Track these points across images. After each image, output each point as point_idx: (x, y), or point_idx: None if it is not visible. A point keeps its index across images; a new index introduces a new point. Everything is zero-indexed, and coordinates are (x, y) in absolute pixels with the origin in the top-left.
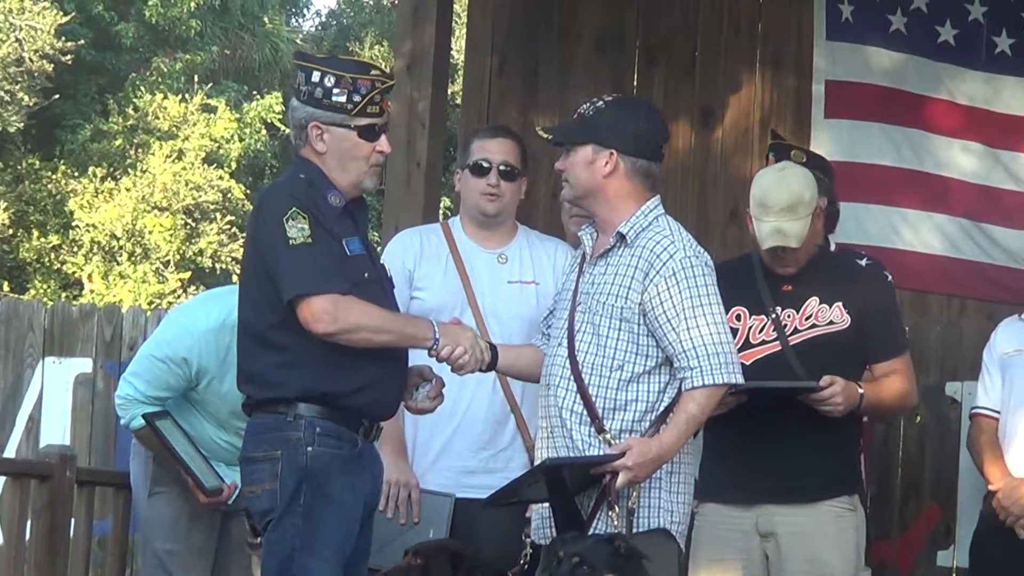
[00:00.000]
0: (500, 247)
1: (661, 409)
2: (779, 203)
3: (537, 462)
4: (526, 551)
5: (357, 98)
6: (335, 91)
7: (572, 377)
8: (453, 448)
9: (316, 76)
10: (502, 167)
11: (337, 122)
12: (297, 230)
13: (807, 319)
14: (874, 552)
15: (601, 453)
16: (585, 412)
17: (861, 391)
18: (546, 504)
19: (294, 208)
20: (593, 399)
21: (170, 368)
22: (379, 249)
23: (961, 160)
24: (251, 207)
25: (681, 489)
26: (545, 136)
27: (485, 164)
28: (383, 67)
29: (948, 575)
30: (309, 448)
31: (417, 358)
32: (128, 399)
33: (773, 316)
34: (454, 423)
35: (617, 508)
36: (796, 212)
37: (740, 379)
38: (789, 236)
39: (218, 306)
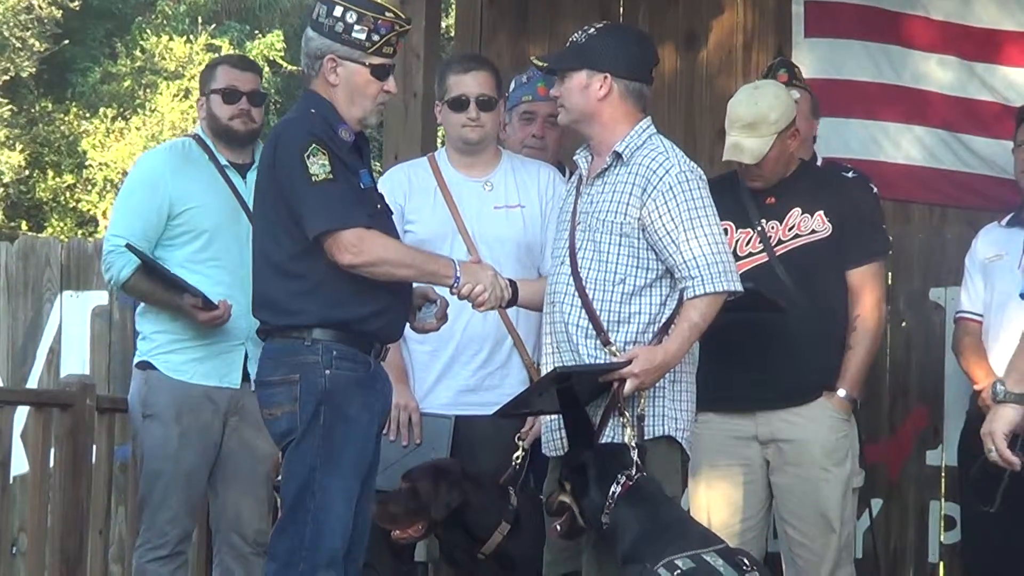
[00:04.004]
0: (485, 175)
1: (663, 321)
2: (741, 119)
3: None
4: (518, 453)
5: (376, 37)
6: (356, 27)
7: (576, 293)
8: (453, 368)
9: (338, 11)
10: (480, 98)
11: (353, 58)
12: (318, 166)
13: (790, 229)
14: (866, 454)
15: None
16: (590, 326)
17: (854, 397)
18: (555, 416)
19: (313, 144)
20: (598, 313)
21: (142, 197)
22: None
23: (938, 73)
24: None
25: (684, 397)
26: (540, 64)
27: (463, 99)
28: (396, 9)
29: (937, 473)
30: (327, 371)
31: None
32: (115, 249)
33: (759, 229)
34: (452, 344)
35: (627, 414)
36: (757, 130)
37: (739, 287)
38: (744, 152)
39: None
